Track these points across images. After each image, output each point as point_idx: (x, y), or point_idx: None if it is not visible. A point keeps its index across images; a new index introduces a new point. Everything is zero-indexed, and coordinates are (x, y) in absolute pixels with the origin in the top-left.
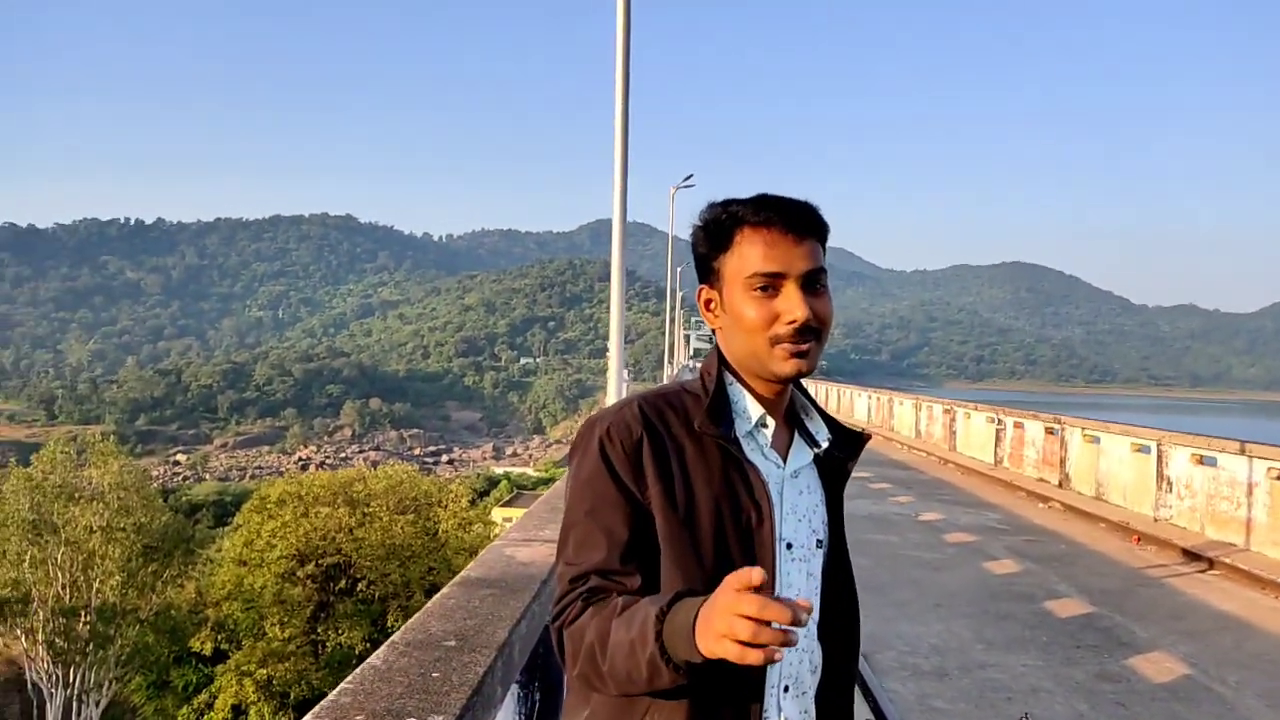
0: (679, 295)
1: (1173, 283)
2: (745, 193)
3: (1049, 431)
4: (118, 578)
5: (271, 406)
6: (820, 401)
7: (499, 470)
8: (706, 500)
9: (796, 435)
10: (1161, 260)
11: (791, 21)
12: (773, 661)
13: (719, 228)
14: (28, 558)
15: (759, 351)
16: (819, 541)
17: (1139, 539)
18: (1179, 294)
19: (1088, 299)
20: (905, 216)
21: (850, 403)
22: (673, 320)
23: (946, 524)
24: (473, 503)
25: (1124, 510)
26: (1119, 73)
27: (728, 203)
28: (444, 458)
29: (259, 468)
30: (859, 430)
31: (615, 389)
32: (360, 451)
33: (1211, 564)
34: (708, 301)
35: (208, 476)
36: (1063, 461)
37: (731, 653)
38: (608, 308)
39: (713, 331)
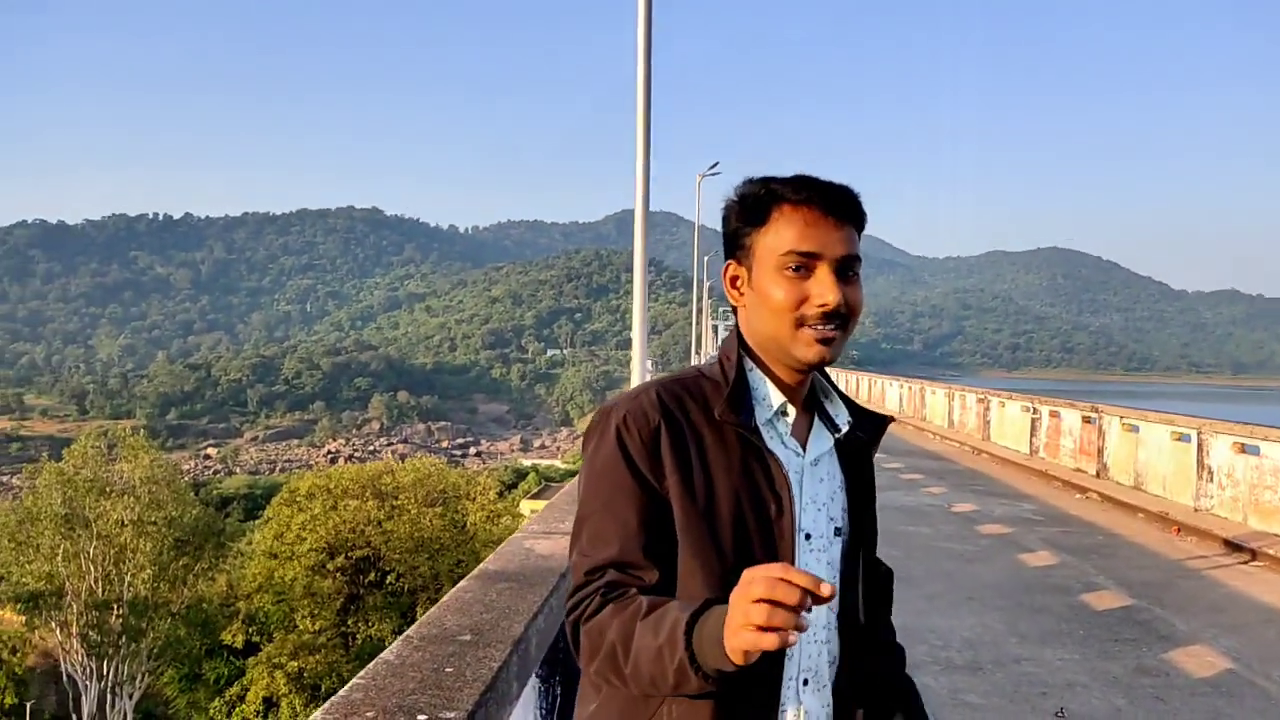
0: (706, 285)
1: (1214, 268)
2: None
3: (1086, 420)
4: (149, 571)
5: (300, 400)
6: (850, 393)
7: (527, 462)
8: (726, 491)
9: (816, 421)
10: (1202, 245)
11: (823, 5)
12: (786, 645)
13: (756, 202)
14: (61, 552)
15: (783, 333)
16: (837, 530)
17: (1179, 530)
18: (1221, 279)
19: (1126, 285)
20: (938, 202)
21: (882, 392)
22: (700, 310)
23: (980, 515)
24: (501, 495)
25: (1163, 500)
26: (1155, 50)
27: (767, 179)
28: (471, 450)
29: (288, 461)
30: (883, 414)
31: (639, 380)
32: (388, 444)
33: (1254, 555)
34: (734, 278)
35: (238, 470)
36: (1100, 451)
37: (747, 641)
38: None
39: (733, 310)
